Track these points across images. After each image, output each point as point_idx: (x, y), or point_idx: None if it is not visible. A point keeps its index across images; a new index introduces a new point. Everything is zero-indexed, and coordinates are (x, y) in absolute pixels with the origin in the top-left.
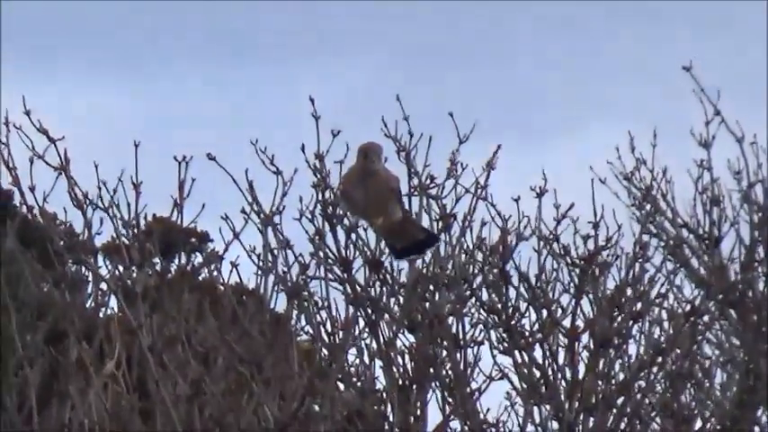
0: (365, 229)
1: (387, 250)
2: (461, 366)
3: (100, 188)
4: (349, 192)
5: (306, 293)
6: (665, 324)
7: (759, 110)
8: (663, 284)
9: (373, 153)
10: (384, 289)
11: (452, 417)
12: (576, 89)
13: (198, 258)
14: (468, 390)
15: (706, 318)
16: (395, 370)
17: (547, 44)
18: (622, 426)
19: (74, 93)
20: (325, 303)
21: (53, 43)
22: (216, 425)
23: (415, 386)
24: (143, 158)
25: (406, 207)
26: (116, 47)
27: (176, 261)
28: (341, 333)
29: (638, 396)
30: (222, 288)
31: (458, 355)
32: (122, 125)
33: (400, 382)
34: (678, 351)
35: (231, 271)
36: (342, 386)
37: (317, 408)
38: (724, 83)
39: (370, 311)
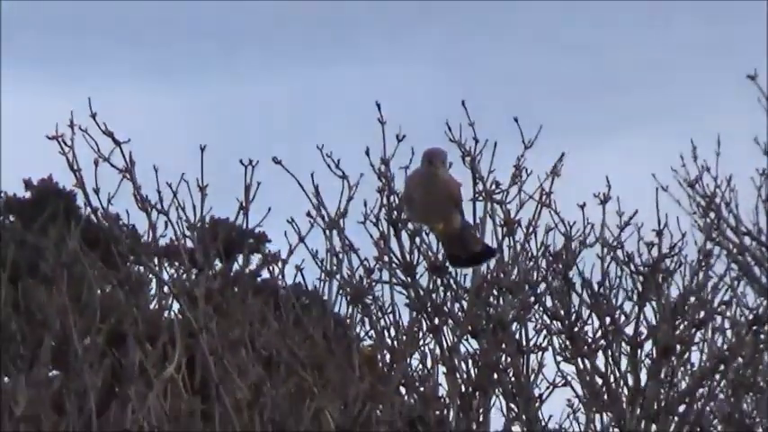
0: (428, 234)
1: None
2: (524, 372)
3: (160, 191)
4: (411, 195)
5: (369, 298)
6: (728, 332)
7: None
8: (726, 293)
9: (437, 158)
10: (448, 294)
11: (514, 423)
12: (641, 94)
13: (257, 260)
14: (531, 396)
15: None
16: (457, 376)
17: (611, 48)
18: None
19: (137, 96)
20: (389, 308)
21: (116, 45)
22: (276, 429)
23: (477, 392)
24: (207, 163)
25: (471, 212)
26: (180, 49)
27: (237, 263)
28: (404, 338)
29: (700, 404)
30: (285, 291)
31: (521, 361)
32: (186, 129)
33: (462, 388)
34: (740, 359)
35: (296, 274)
36: (404, 391)
37: (378, 413)
38: None
39: (433, 316)
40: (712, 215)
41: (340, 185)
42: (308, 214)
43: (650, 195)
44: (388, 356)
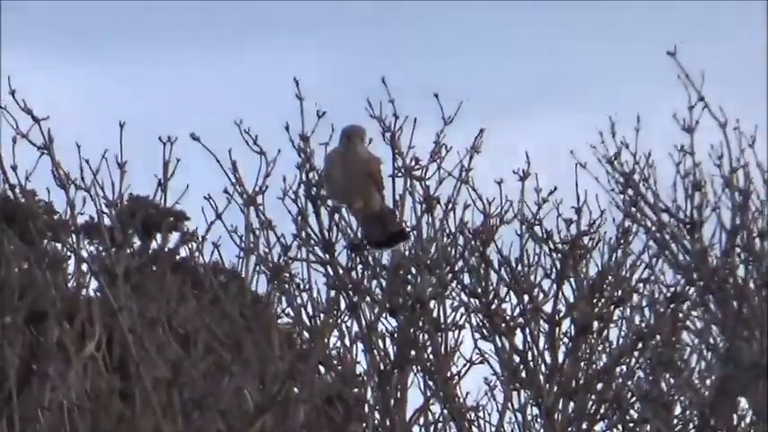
0: (348, 212)
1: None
2: (442, 350)
3: (82, 168)
4: (330, 173)
5: (287, 275)
6: (646, 310)
7: (740, 95)
8: (644, 270)
9: (355, 135)
10: (366, 272)
11: (433, 401)
12: (560, 70)
13: (176, 238)
14: (449, 374)
15: (687, 304)
16: (376, 354)
17: (529, 25)
18: (602, 411)
19: (57, 72)
20: (307, 285)
21: (36, 20)
22: (195, 407)
23: (395, 370)
24: (126, 139)
25: (391, 189)
26: (99, 26)
27: (155, 241)
28: (322, 316)
29: (619, 382)
30: (203, 269)
31: (438, 338)
32: (105, 106)
33: (381, 366)
34: (658, 337)
35: (213, 252)
36: (322, 370)
37: (296, 391)
38: (707, 67)
39: (351, 294)
40: (631, 192)
41: (258, 162)
42: (226, 191)
43: (569, 172)
44: (306, 334)
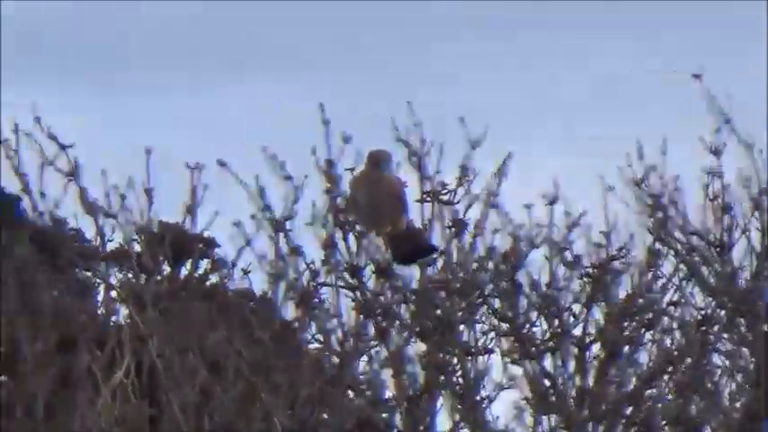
0: (376, 236)
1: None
2: (471, 374)
3: (108, 195)
4: (356, 198)
5: (316, 300)
6: (676, 333)
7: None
8: (674, 293)
9: (381, 160)
10: (395, 296)
11: (462, 425)
12: (583, 93)
13: (204, 264)
14: (478, 398)
15: (717, 327)
16: (404, 378)
17: (556, 46)
18: None
19: (81, 100)
20: (336, 311)
21: (59, 49)
22: None
23: (425, 394)
24: (152, 166)
25: (419, 214)
26: (123, 53)
27: (185, 268)
28: (351, 341)
29: (648, 405)
30: (232, 295)
31: (468, 362)
32: (130, 134)
33: (410, 391)
34: (688, 360)
35: (242, 278)
36: (352, 394)
37: (326, 416)
38: (734, 90)
39: (380, 319)
40: (659, 215)
41: (285, 188)
42: (254, 217)
43: (598, 196)
44: (335, 359)
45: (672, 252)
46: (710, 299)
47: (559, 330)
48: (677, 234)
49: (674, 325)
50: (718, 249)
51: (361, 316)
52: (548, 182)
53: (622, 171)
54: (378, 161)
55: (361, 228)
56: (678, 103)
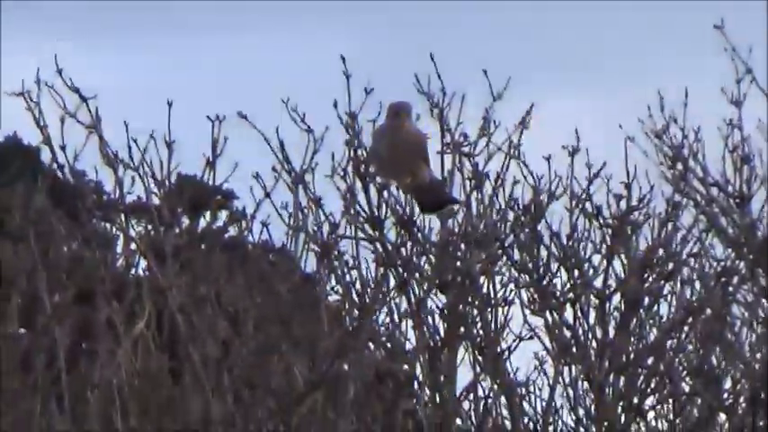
0: (397, 188)
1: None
2: (492, 326)
3: (130, 147)
4: (377, 150)
5: (336, 253)
6: (697, 284)
7: None
8: (694, 245)
9: (402, 111)
10: (415, 248)
11: (483, 376)
12: (608, 45)
13: (224, 216)
14: (499, 349)
15: (736, 278)
16: (425, 330)
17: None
18: (652, 386)
19: (105, 53)
20: (355, 263)
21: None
22: (245, 385)
23: (445, 346)
24: (174, 118)
25: (439, 165)
26: (146, 6)
27: (203, 220)
28: (371, 292)
29: (669, 356)
30: (251, 248)
31: (489, 315)
32: (153, 86)
33: (430, 343)
34: (708, 311)
35: (261, 230)
36: (372, 347)
37: (346, 368)
38: (755, 40)
39: (401, 271)
40: (679, 166)
41: (306, 140)
42: (274, 169)
43: (618, 146)
44: (355, 312)
45: (691, 203)
46: (730, 250)
47: (580, 282)
48: (697, 185)
49: (694, 276)
50: (737, 201)
51: (381, 268)
52: (570, 134)
53: (643, 122)
54: (398, 112)
55: (382, 179)
56: (699, 54)
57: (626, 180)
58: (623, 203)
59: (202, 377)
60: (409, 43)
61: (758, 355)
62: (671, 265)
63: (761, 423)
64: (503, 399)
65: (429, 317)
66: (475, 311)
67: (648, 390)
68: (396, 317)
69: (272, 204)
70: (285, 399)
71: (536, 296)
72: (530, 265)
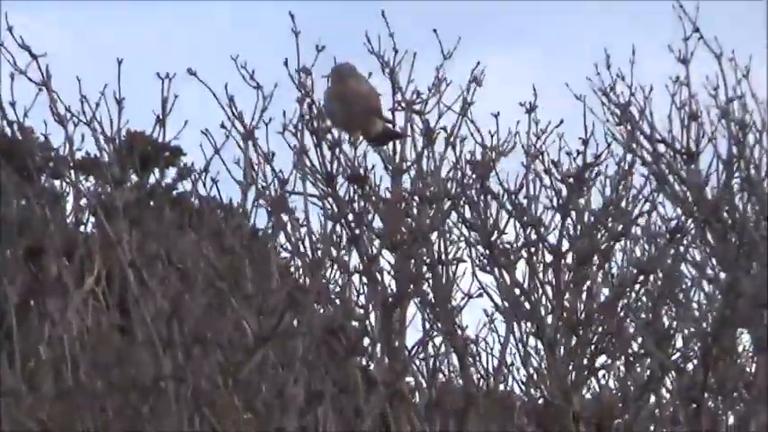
0: (350, 144)
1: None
2: (442, 284)
3: (82, 102)
4: (330, 110)
5: (286, 209)
6: (647, 243)
7: (737, 26)
8: (644, 204)
9: (346, 73)
10: (366, 204)
11: (434, 333)
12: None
13: (173, 173)
14: (449, 307)
15: (687, 237)
16: (376, 287)
17: None
18: (603, 344)
19: (55, 10)
20: (305, 220)
21: None
22: (195, 340)
23: (396, 303)
24: (124, 76)
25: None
26: None
27: (153, 176)
28: (320, 247)
29: (620, 315)
30: (201, 204)
31: (439, 272)
32: (103, 43)
33: (381, 300)
34: (659, 270)
35: (212, 186)
36: (322, 302)
37: (296, 323)
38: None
39: (352, 226)
40: (628, 124)
41: (255, 97)
42: (223, 125)
43: (571, 104)
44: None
45: (640, 161)
46: (679, 209)
47: (531, 239)
48: (645, 143)
49: (644, 235)
50: (685, 158)
51: (332, 223)
52: (526, 92)
53: (591, 80)
54: (341, 75)
55: (336, 134)
56: (646, 11)
57: (583, 137)
58: (578, 160)
59: (153, 333)
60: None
61: (708, 314)
62: (622, 225)
63: (711, 381)
64: (454, 356)
65: (380, 274)
66: (425, 269)
67: (599, 348)
68: (346, 273)
69: (221, 161)
70: (235, 354)
71: (487, 253)
72: (479, 222)
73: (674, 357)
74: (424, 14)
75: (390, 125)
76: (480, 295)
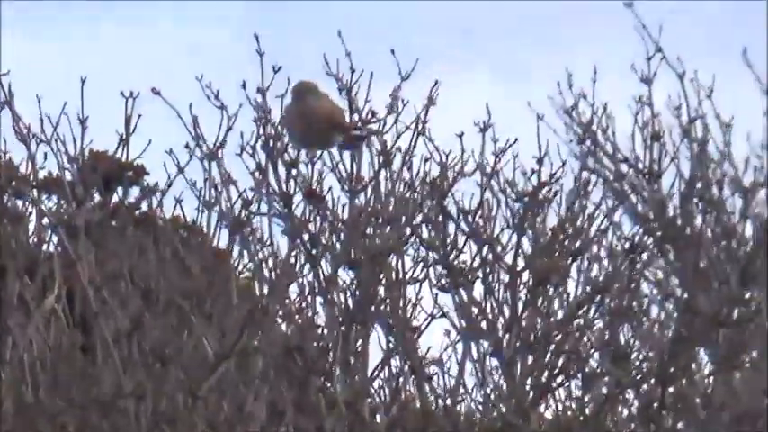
0: (307, 164)
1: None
2: (402, 304)
3: (42, 121)
4: (291, 129)
5: (248, 229)
6: (605, 261)
7: (699, 46)
8: (602, 221)
9: (306, 91)
10: (324, 224)
11: (393, 354)
12: (516, 21)
13: (136, 192)
14: (409, 328)
15: (645, 255)
16: (335, 307)
17: None
18: (561, 362)
19: (19, 30)
20: (267, 240)
21: None
22: (156, 359)
23: (355, 324)
24: (87, 95)
25: None
26: None
27: (116, 196)
28: (281, 266)
29: (577, 334)
30: (163, 223)
31: (399, 292)
32: (67, 62)
33: (340, 320)
34: (617, 288)
35: (175, 206)
36: (282, 322)
37: (256, 342)
38: (665, 18)
39: (310, 247)
40: (589, 143)
41: (219, 118)
42: (187, 146)
43: (530, 123)
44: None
45: (601, 180)
46: (639, 227)
47: (488, 259)
48: (606, 162)
49: (603, 253)
50: (647, 177)
51: (290, 242)
52: (480, 112)
53: (553, 99)
54: (301, 93)
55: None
56: (609, 32)
57: (538, 155)
58: (534, 180)
59: (114, 351)
60: (318, 22)
61: (666, 332)
62: (579, 242)
63: (668, 399)
64: (413, 377)
65: (339, 294)
66: (385, 290)
67: (557, 366)
68: (305, 293)
69: (185, 180)
70: (195, 371)
71: (445, 273)
72: (437, 243)
73: (631, 375)
74: (384, 36)
75: (357, 131)
76: (443, 315)
